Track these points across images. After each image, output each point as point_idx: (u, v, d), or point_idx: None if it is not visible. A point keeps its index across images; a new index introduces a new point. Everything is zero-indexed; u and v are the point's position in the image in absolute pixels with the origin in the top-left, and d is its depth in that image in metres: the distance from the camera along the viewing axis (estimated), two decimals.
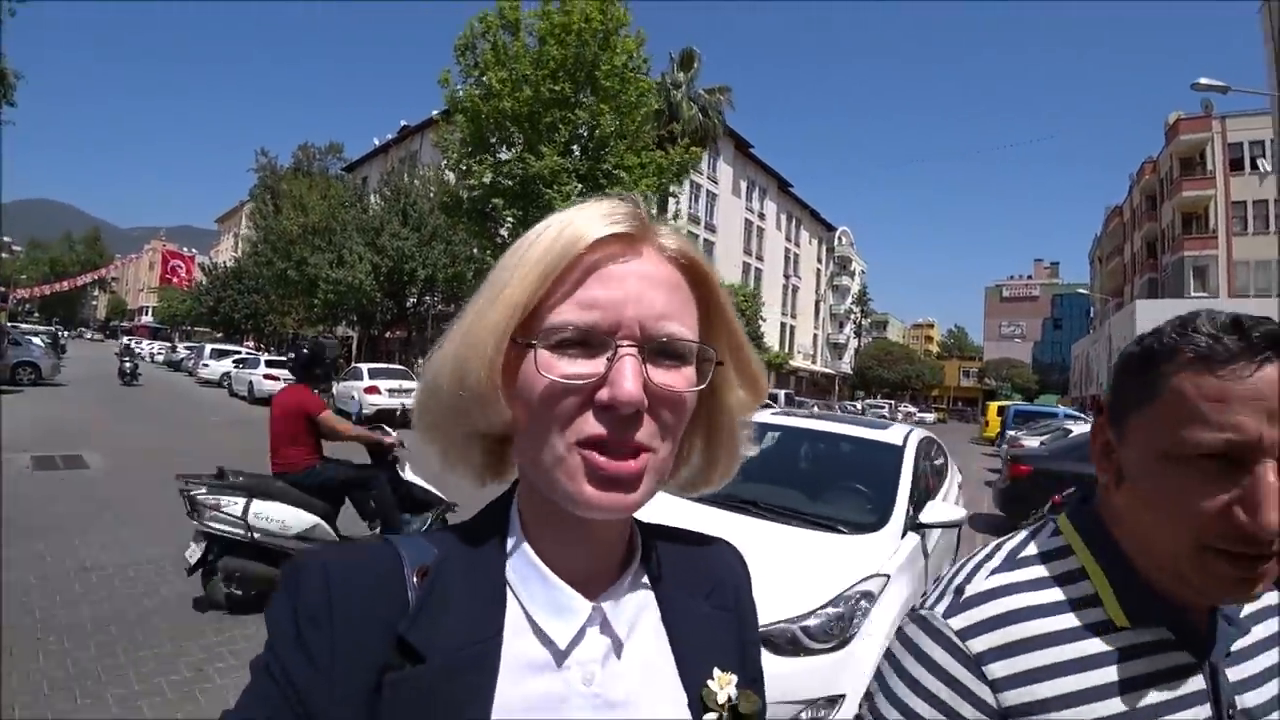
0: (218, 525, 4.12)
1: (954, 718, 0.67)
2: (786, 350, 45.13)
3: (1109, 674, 0.67)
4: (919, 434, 4.64)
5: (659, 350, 0.51)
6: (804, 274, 50.79)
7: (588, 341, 0.50)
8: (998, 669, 0.67)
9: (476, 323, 0.52)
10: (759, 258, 42.30)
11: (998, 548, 0.79)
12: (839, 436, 4.61)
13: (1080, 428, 13.20)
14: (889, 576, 3.00)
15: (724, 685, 0.59)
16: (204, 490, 4.17)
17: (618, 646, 0.56)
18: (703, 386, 0.54)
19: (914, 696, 0.69)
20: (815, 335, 55.43)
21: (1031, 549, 0.76)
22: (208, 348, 29.43)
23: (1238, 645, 0.73)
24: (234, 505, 4.14)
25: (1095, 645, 0.68)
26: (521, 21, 18.22)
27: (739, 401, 0.62)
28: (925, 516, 3.53)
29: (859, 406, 44.94)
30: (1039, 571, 0.73)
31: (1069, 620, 0.69)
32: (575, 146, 18.80)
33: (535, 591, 0.55)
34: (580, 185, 18.23)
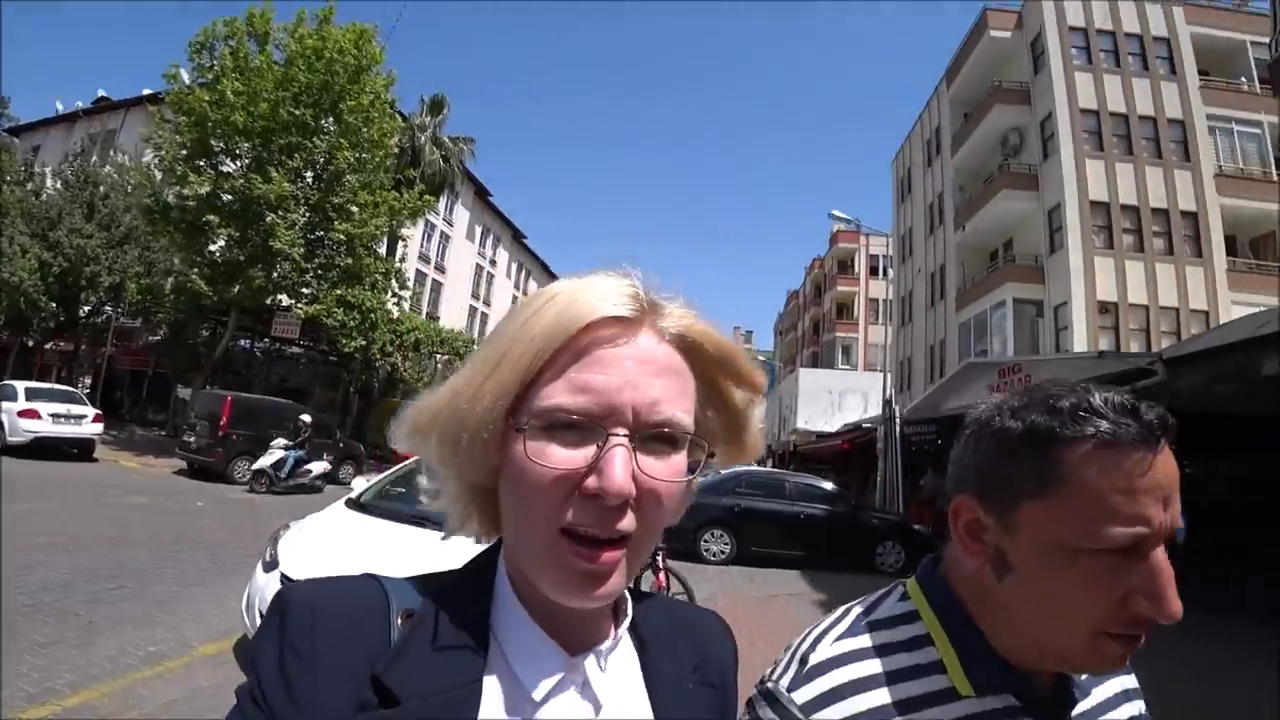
0: None
1: None
2: None
3: None
4: None
5: (651, 438, 0.51)
6: None
7: (579, 427, 0.49)
8: None
9: (469, 397, 0.52)
10: (487, 303, 43.06)
11: (846, 612, 0.77)
12: None
13: (728, 470, 16.25)
14: None
15: None
16: None
17: (597, 708, 0.55)
18: (693, 478, 0.54)
19: None
20: None
21: (878, 614, 0.75)
22: None
23: (1081, 709, 0.72)
24: None
25: (938, 714, 0.66)
26: (271, 35, 17.51)
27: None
28: None
29: None
30: (883, 637, 0.71)
31: (913, 689, 0.67)
32: (308, 174, 18.29)
33: (517, 643, 0.54)
34: (309, 214, 17.86)
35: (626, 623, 0.61)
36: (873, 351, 43.90)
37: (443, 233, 36.93)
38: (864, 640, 0.72)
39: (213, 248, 18.29)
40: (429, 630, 0.52)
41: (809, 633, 0.76)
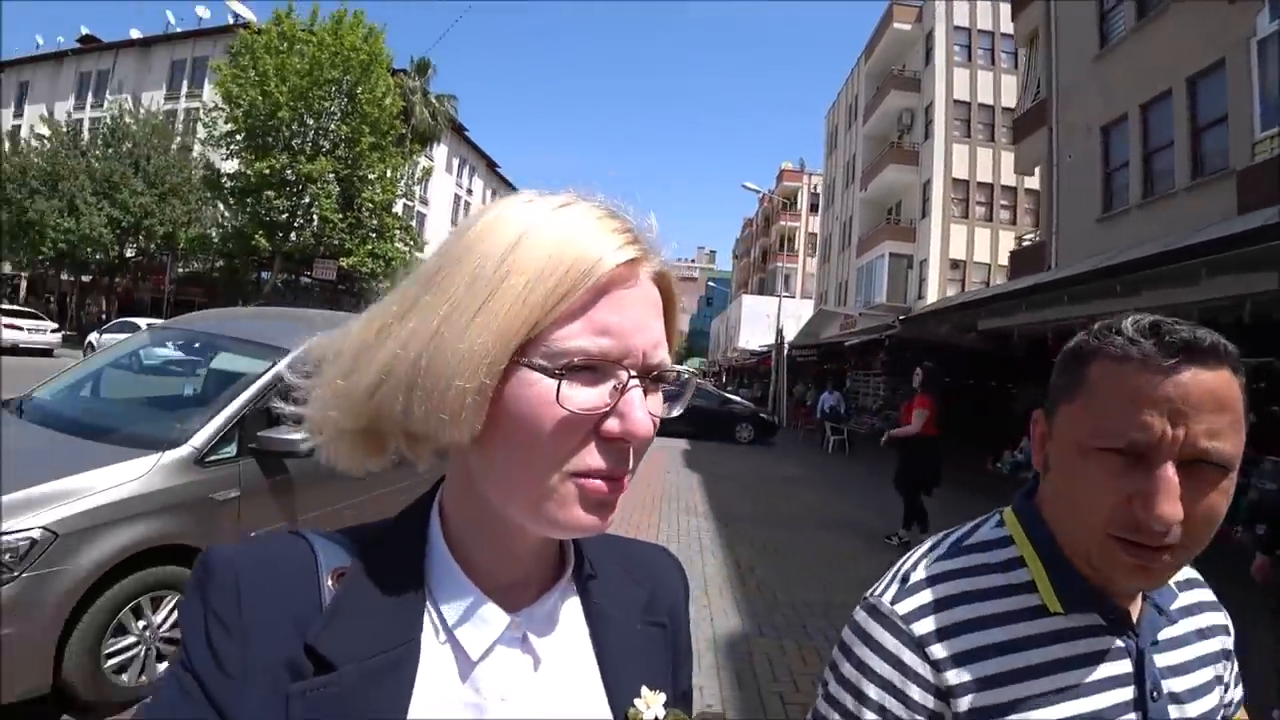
0: None
1: (900, 697, 0.71)
2: None
3: (1040, 655, 0.71)
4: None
5: (654, 379, 0.51)
6: None
7: (596, 369, 0.48)
8: (938, 650, 0.71)
9: (452, 335, 0.46)
10: None
11: (945, 537, 0.83)
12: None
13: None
14: None
15: (651, 705, 0.57)
16: None
17: (538, 662, 0.54)
18: (678, 410, 0.55)
19: (863, 679, 0.73)
20: None
21: (975, 538, 0.81)
22: None
23: (1166, 634, 0.76)
24: None
25: (1029, 628, 0.72)
26: (297, 36, 22.10)
27: None
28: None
29: None
30: (980, 559, 0.77)
31: (1005, 605, 0.73)
32: (337, 151, 23.31)
33: (453, 600, 0.52)
34: (340, 186, 23.24)
35: (569, 571, 0.60)
36: (809, 281, 49.54)
37: (424, 168, 40.96)
38: (961, 561, 0.78)
39: (270, 216, 23.47)
40: (361, 590, 0.51)
41: (909, 555, 0.82)
